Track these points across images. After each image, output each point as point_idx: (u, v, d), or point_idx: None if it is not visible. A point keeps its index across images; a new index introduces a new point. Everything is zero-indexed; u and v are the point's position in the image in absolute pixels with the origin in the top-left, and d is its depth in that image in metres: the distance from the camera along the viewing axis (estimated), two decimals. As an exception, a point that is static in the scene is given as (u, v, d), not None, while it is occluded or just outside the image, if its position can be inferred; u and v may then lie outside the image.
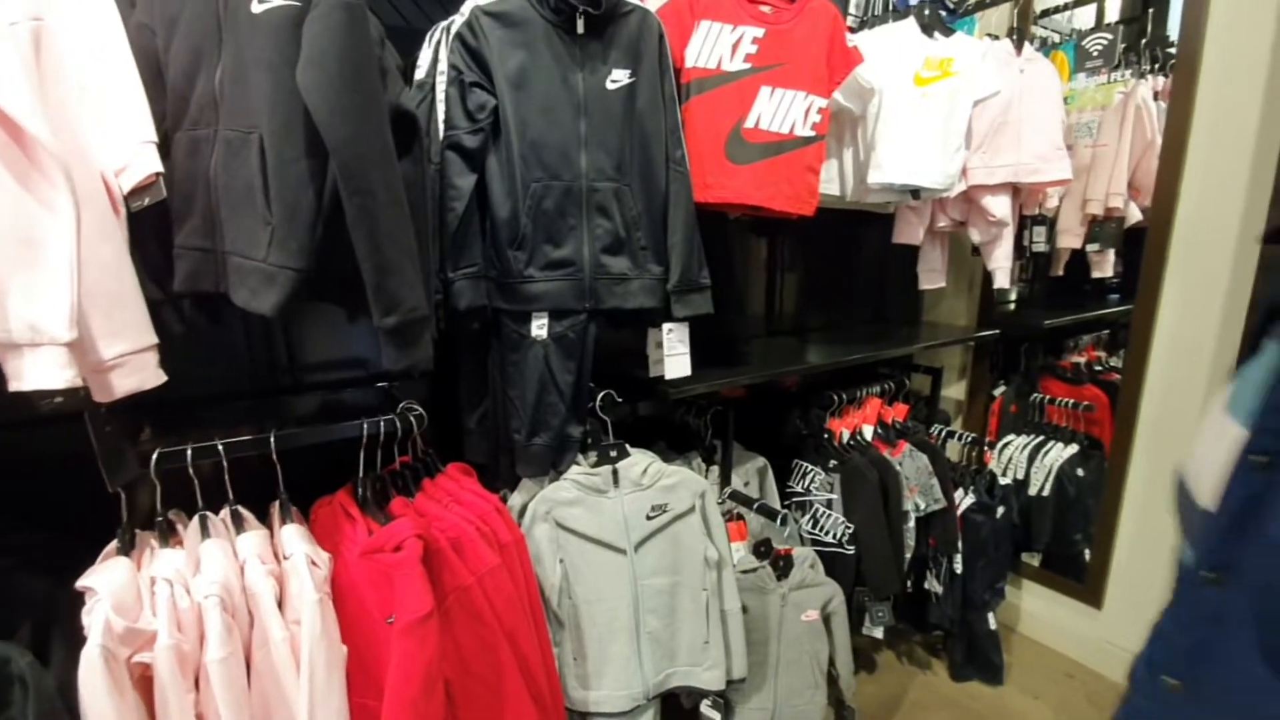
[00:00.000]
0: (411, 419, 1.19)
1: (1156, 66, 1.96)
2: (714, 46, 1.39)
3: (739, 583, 1.48)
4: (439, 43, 1.18)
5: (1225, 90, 1.66)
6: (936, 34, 1.74)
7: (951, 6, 1.94)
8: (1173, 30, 1.94)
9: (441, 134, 1.17)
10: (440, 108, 1.16)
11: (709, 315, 1.38)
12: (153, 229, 0.93)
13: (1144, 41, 1.99)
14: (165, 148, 0.91)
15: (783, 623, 1.58)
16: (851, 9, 1.92)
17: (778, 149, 1.45)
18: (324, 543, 1.09)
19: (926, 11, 1.73)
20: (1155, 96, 1.93)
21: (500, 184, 1.19)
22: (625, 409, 1.46)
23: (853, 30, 1.76)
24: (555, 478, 1.33)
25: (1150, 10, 2.06)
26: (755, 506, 1.67)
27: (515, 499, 1.34)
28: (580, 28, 1.19)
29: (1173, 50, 1.87)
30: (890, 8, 1.91)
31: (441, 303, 1.18)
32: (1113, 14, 2.15)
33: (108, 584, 0.88)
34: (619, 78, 1.23)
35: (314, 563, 1.03)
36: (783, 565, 1.60)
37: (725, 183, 1.42)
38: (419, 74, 1.20)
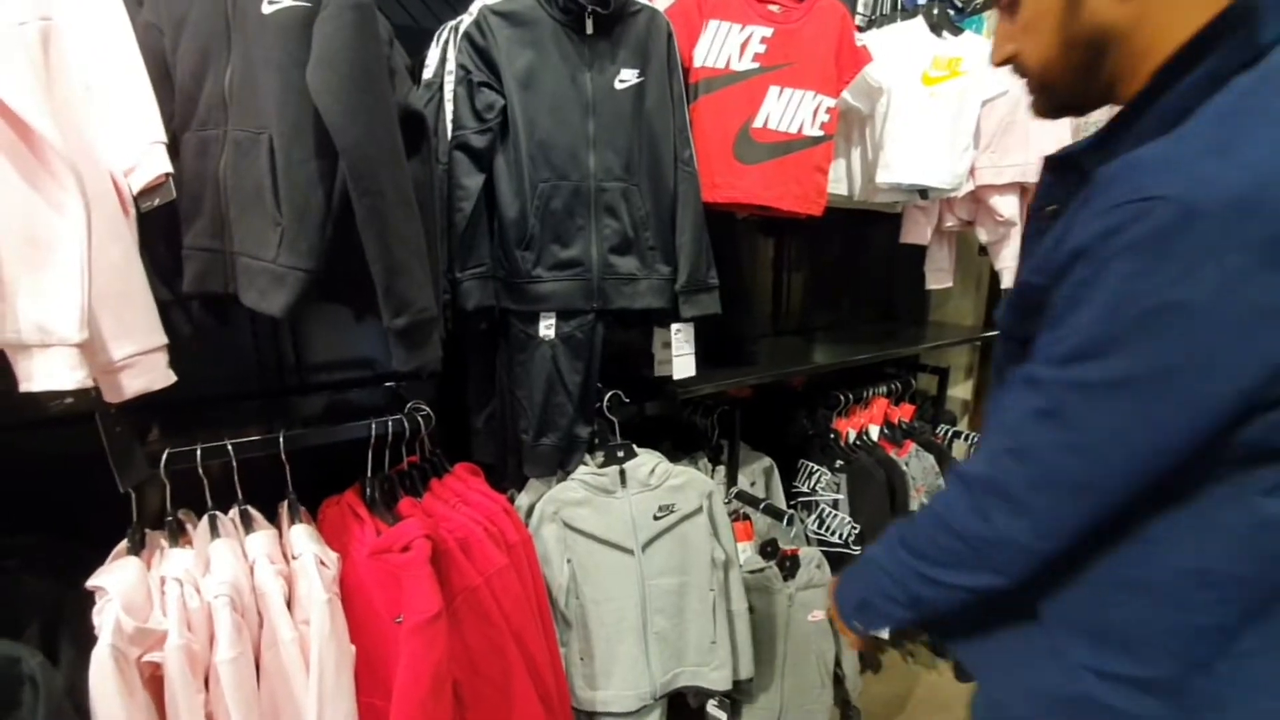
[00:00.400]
0: (419, 419, 1.19)
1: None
2: (722, 46, 1.38)
3: (746, 583, 1.48)
4: (447, 42, 1.17)
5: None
6: (945, 33, 1.73)
7: (960, 6, 1.93)
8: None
9: (449, 134, 1.17)
10: (448, 107, 1.15)
11: (716, 315, 1.37)
12: (162, 230, 0.93)
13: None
14: (174, 148, 0.91)
15: (789, 623, 1.58)
16: (860, 8, 1.91)
17: (786, 149, 1.45)
18: (332, 543, 1.09)
19: (935, 11, 1.72)
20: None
21: (508, 184, 1.18)
22: (632, 409, 1.46)
23: (861, 29, 1.75)
24: (563, 478, 1.33)
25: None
26: (762, 507, 1.67)
27: (523, 499, 1.34)
28: (589, 27, 1.18)
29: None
30: (899, 7, 1.90)
31: (449, 303, 1.18)
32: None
33: (118, 584, 0.88)
34: (627, 77, 1.23)
35: (323, 563, 1.03)
36: (789, 565, 1.59)
37: (734, 182, 1.42)
38: (427, 73, 1.20)
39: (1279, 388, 0.52)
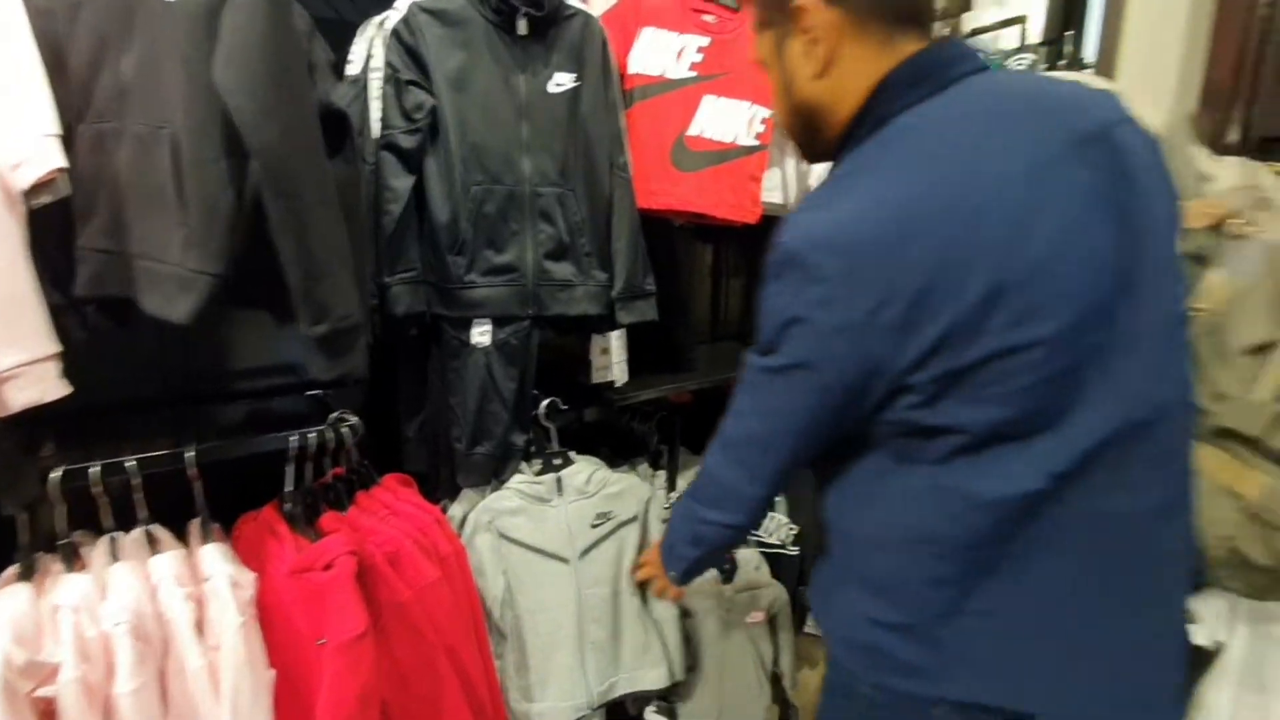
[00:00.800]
0: (345, 429, 1.15)
1: (1075, 86, 2.07)
2: (658, 53, 1.39)
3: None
4: (372, 38, 1.14)
5: (1135, 105, 1.78)
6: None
7: (889, 22, 2.01)
8: (1086, 52, 2.06)
9: (376, 133, 1.13)
10: (374, 105, 1.12)
11: (654, 321, 1.38)
12: (54, 229, 0.86)
13: (1061, 62, 2.10)
14: (69, 141, 0.84)
15: (728, 626, 1.59)
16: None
17: (721, 157, 1.47)
18: (249, 562, 1.03)
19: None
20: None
21: (439, 187, 1.15)
22: (571, 416, 1.44)
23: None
24: (497, 487, 1.31)
25: (1069, 33, 2.17)
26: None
27: (456, 509, 1.31)
28: (523, 29, 1.17)
29: (1087, 70, 1.99)
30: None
31: (377, 308, 1.14)
32: (1034, 36, 2.26)
33: (4, 613, 0.81)
34: (562, 81, 1.22)
35: (236, 584, 0.97)
36: (728, 569, 1.61)
37: (669, 190, 1.43)
38: (352, 70, 1.15)
39: (882, 381, 0.64)
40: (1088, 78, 1.73)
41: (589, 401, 1.49)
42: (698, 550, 0.95)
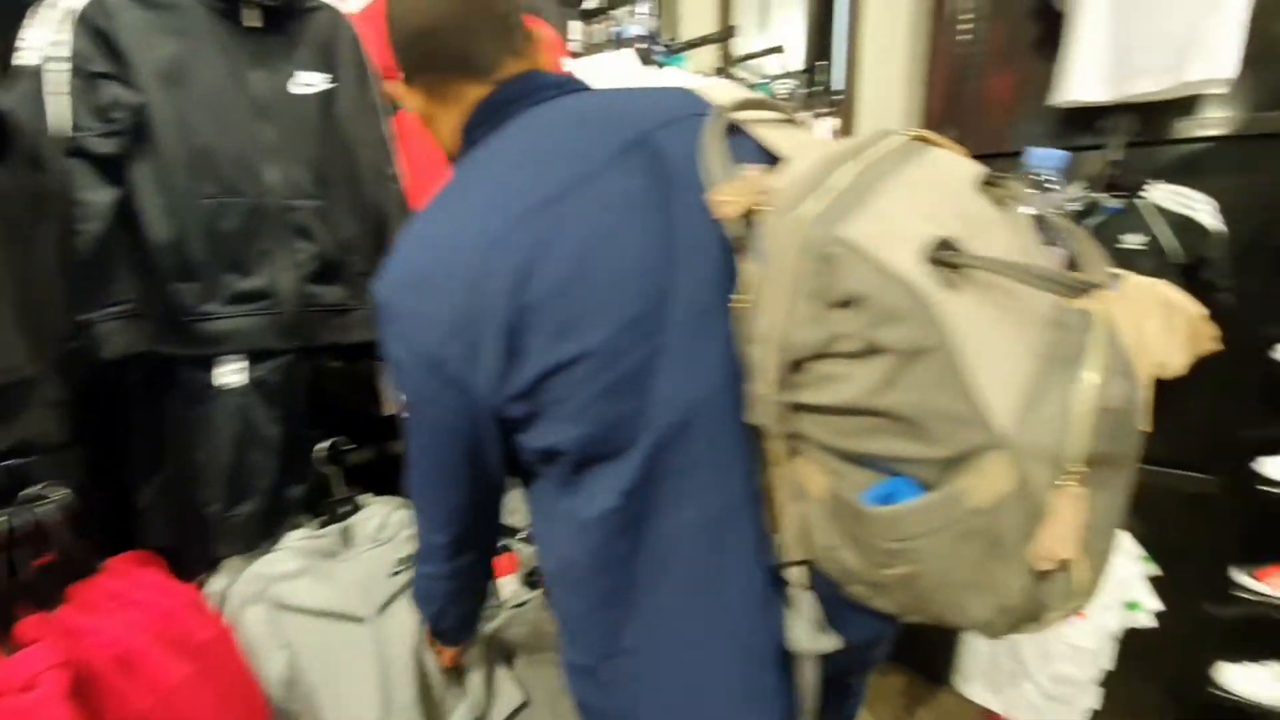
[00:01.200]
0: (46, 508, 0.91)
1: (830, 109, 2.34)
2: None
3: (510, 618, 1.39)
4: (51, 21, 0.92)
5: (876, 123, 2.05)
6: (653, 66, 1.86)
7: (666, 44, 2.10)
8: (836, 80, 2.34)
9: (62, 136, 0.91)
10: (56, 101, 0.90)
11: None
12: None
13: (816, 88, 2.36)
14: None
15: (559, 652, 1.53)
16: (577, 35, 1.97)
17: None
18: (-91, 698, 0.78)
19: (642, 46, 1.85)
20: (834, 134, 2.30)
21: (156, 201, 0.95)
22: (367, 454, 1.29)
23: (575, 56, 1.80)
24: (268, 550, 1.12)
25: (821, 63, 2.45)
26: (519, 536, 1.60)
27: (216, 584, 1.09)
28: (253, 20, 1.01)
29: (836, 97, 2.26)
30: (613, 39, 2.01)
31: (78, 351, 0.91)
32: (791, 64, 2.52)
33: None
34: (312, 81, 1.08)
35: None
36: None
37: (454, 202, 1.34)
38: (25, 59, 0.92)
39: (481, 410, 0.65)
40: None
41: (388, 436, 1.35)
42: (429, 607, 0.92)
